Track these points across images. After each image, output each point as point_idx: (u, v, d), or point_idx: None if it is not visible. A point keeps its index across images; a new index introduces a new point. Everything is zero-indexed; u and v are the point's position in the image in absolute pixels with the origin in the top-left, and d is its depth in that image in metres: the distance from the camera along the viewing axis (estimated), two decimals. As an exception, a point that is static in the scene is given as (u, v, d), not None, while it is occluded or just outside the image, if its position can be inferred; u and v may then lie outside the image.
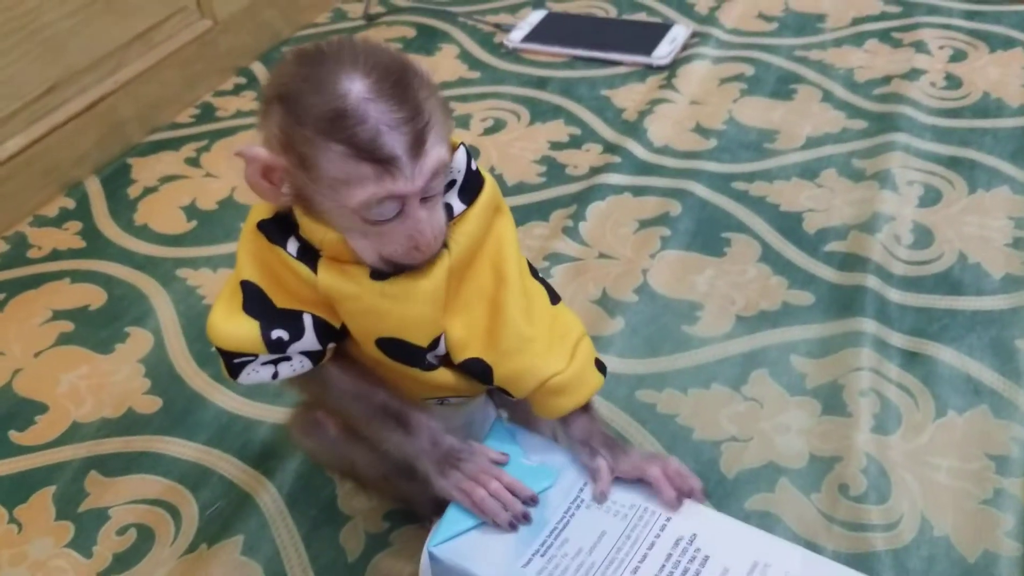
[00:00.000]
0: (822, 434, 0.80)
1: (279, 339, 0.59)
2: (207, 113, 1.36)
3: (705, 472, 0.77)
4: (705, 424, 0.82)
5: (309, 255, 0.58)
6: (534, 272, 0.66)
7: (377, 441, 0.64)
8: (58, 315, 1.01)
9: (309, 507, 0.78)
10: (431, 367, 0.63)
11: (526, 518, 0.59)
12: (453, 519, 0.59)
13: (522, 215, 1.08)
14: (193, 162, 1.25)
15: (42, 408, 0.90)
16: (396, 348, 0.61)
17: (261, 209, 0.60)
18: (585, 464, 0.62)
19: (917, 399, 0.82)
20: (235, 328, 0.60)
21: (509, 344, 0.61)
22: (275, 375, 0.62)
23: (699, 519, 0.59)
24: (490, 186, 0.62)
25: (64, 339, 0.98)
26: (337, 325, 0.61)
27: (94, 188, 1.21)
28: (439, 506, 0.61)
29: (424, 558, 0.60)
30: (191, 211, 1.15)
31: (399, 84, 0.52)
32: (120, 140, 1.28)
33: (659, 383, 0.86)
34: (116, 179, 1.23)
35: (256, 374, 0.62)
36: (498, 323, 0.62)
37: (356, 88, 0.51)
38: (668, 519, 0.59)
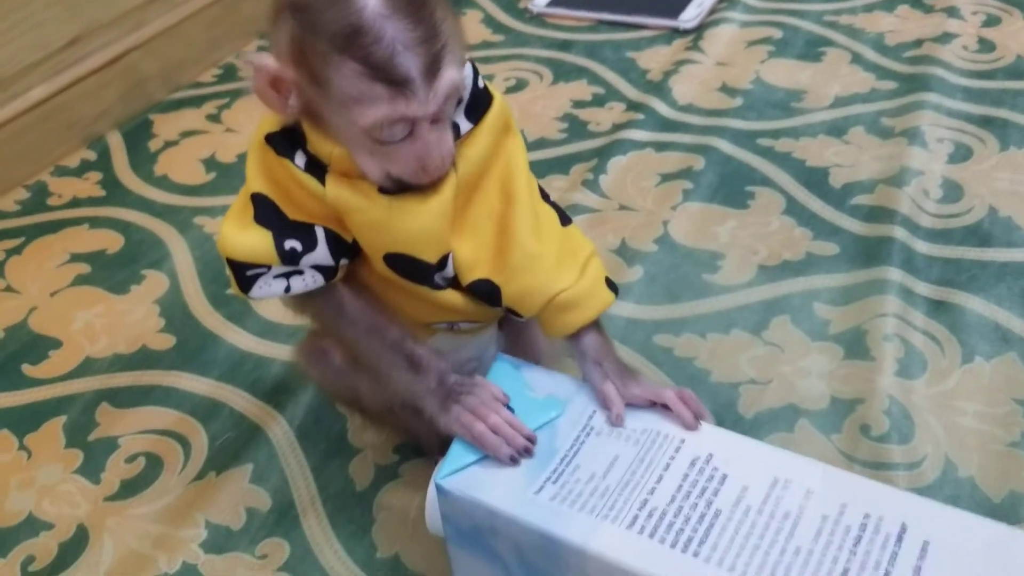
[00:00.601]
0: (844, 377, 0.78)
1: (292, 249, 0.58)
2: (229, 73, 1.36)
3: (722, 413, 0.76)
4: (723, 367, 0.80)
5: (317, 168, 0.57)
6: (545, 195, 0.65)
7: (385, 378, 0.63)
8: (75, 258, 1.01)
9: (319, 440, 0.77)
10: (439, 288, 0.62)
11: (527, 452, 0.57)
12: (461, 451, 0.58)
13: (542, 169, 1.06)
14: (214, 118, 1.25)
15: (56, 344, 0.90)
16: (405, 264, 0.60)
17: (269, 122, 0.59)
18: (596, 387, 0.60)
19: (943, 345, 0.80)
20: (248, 238, 0.58)
21: (517, 262, 0.60)
22: (287, 289, 0.61)
23: (714, 439, 0.58)
24: (498, 104, 0.60)
25: (80, 280, 0.98)
26: (349, 239, 0.60)
27: (115, 141, 1.21)
28: (445, 443, 0.60)
29: (431, 491, 0.59)
30: (210, 163, 1.15)
31: (416, 2, 0.51)
32: (143, 97, 1.28)
33: (677, 328, 0.84)
34: (137, 133, 1.23)
35: (268, 287, 0.61)
36: (506, 242, 0.61)
37: (372, 3, 0.50)
38: (682, 441, 0.57)
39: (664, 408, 0.59)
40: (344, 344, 0.67)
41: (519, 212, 0.60)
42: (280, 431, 0.78)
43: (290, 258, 0.59)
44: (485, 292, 0.61)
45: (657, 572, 0.50)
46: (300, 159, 0.57)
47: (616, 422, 0.59)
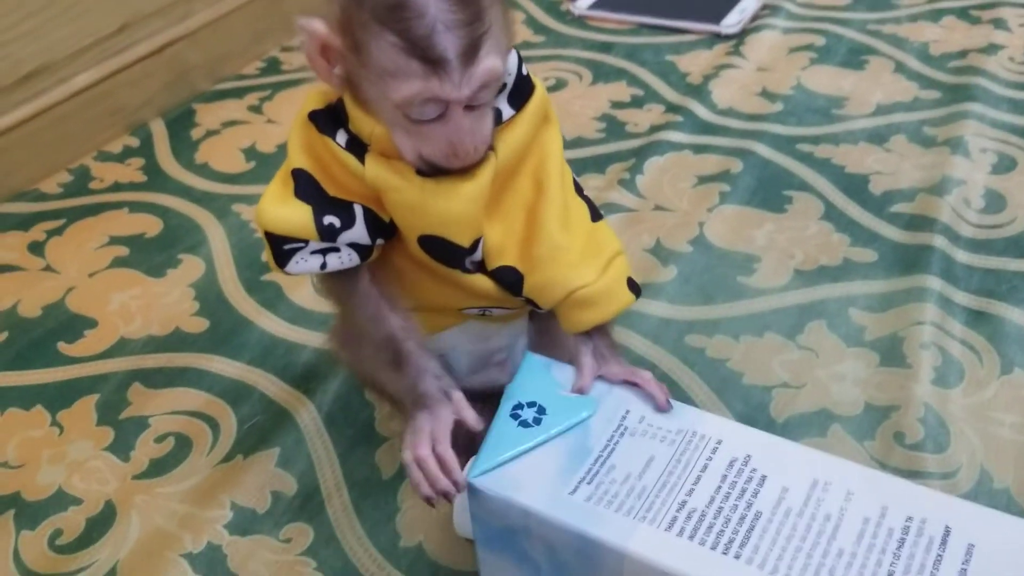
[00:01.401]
0: (879, 384, 0.76)
1: (331, 225, 0.58)
2: (272, 67, 1.37)
3: (754, 416, 0.75)
4: (756, 370, 0.79)
5: (357, 147, 0.58)
6: (579, 188, 0.64)
7: (377, 370, 0.63)
8: (114, 240, 1.02)
9: (347, 426, 0.77)
10: (469, 272, 0.62)
11: (446, 497, 0.56)
12: (493, 449, 0.57)
13: (579, 167, 1.06)
14: (256, 109, 1.26)
15: (92, 323, 0.91)
16: (438, 247, 0.60)
17: (313, 100, 0.59)
18: (575, 357, 0.61)
19: (981, 356, 0.78)
20: (287, 212, 0.58)
21: (541, 252, 0.60)
22: (323, 265, 0.61)
23: (752, 440, 0.57)
24: (539, 93, 0.60)
25: (118, 262, 0.99)
26: (386, 219, 0.60)
27: (158, 129, 1.23)
28: (470, 442, 0.60)
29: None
30: (250, 153, 1.16)
31: None
32: (187, 87, 1.29)
33: (710, 329, 0.83)
34: (180, 122, 1.24)
35: (304, 263, 0.61)
36: (533, 231, 0.61)
37: None
38: (719, 442, 0.56)
39: (634, 386, 0.60)
40: (352, 327, 0.67)
41: (549, 202, 0.60)
42: (308, 416, 0.78)
43: (328, 234, 0.59)
44: (509, 280, 0.61)
45: (698, 574, 0.49)
46: (341, 137, 0.57)
47: (577, 391, 0.60)
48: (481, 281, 0.62)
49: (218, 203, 1.07)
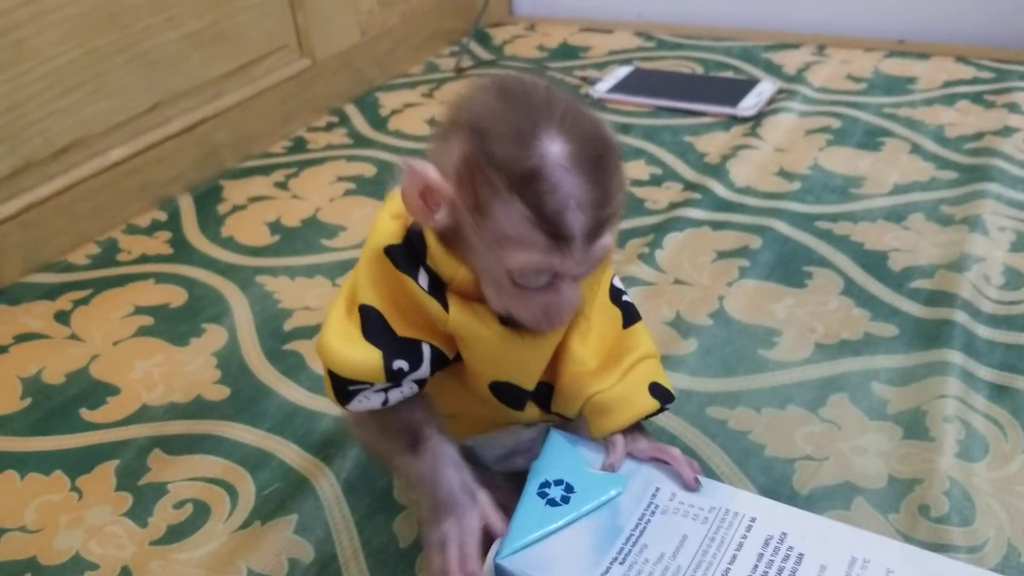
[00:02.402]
0: (902, 457, 0.76)
1: (400, 369, 0.57)
2: (299, 146, 1.41)
3: (776, 488, 0.74)
4: (778, 442, 0.78)
5: (438, 288, 0.57)
6: (617, 294, 0.66)
7: (390, 455, 0.62)
8: (140, 310, 1.03)
9: (365, 494, 0.77)
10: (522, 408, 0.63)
11: None
12: (522, 528, 0.56)
13: (599, 243, 1.07)
14: (281, 185, 1.29)
15: (115, 390, 0.91)
16: (506, 391, 0.61)
17: (387, 233, 0.57)
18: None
19: (1006, 430, 0.77)
20: (356, 355, 0.57)
21: (563, 366, 0.62)
22: (385, 402, 0.60)
23: (787, 518, 0.56)
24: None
25: (143, 331, 1.00)
26: (451, 356, 0.60)
27: (186, 204, 1.26)
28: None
29: (487, 570, 0.56)
30: (275, 227, 1.18)
31: (598, 161, 0.50)
32: (215, 164, 1.33)
33: (732, 401, 0.83)
34: (207, 197, 1.27)
35: (368, 401, 0.59)
36: (560, 346, 0.62)
37: (556, 151, 0.48)
38: (753, 520, 0.56)
39: (662, 463, 0.60)
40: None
41: (577, 319, 0.61)
42: (327, 484, 0.78)
43: (396, 377, 0.57)
44: (543, 395, 0.62)
45: None
46: (423, 278, 0.56)
47: (607, 468, 0.59)
48: (530, 410, 0.63)
49: (242, 274, 1.08)
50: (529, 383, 0.61)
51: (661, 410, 0.64)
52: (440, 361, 0.59)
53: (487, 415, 0.64)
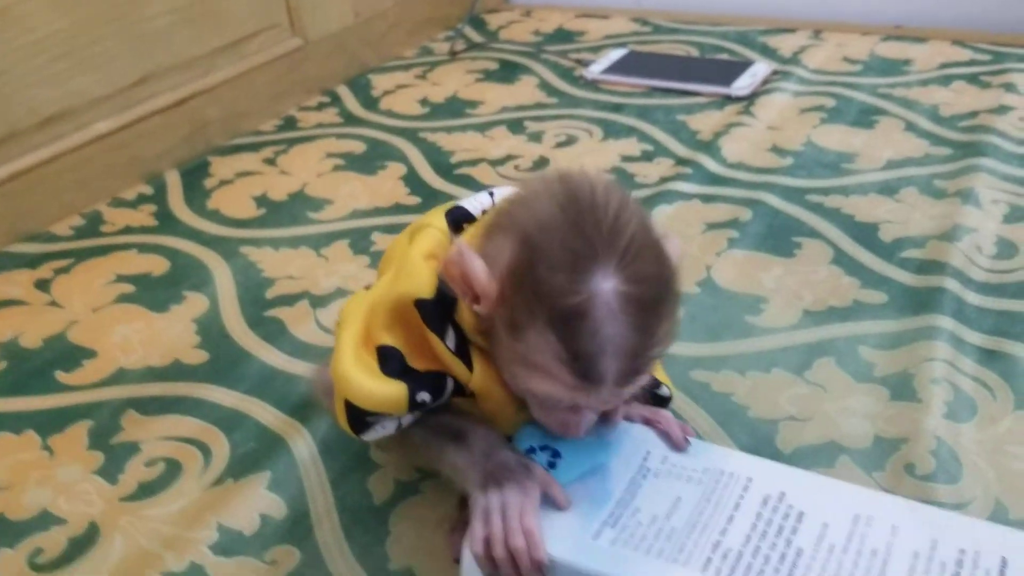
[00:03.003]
0: (889, 418, 0.74)
1: (423, 402, 0.56)
2: (289, 124, 1.40)
3: (759, 447, 0.72)
4: (763, 404, 0.77)
5: (463, 346, 0.55)
6: None
7: (433, 463, 0.60)
8: (121, 279, 1.02)
9: (340, 454, 0.75)
10: None
11: None
12: None
13: (587, 215, 1.06)
14: (270, 162, 1.28)
15: (91, 354, 0.90)
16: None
17: (420, 283, 0.55)
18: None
19: (994, 392, 0.76)
20: (380, 388, 0.55)
21: None
22: (399, 426, 0.59)
23: (785, 476, 0.54)
24: None
25: (123, 298, 0.99)
26: (468, 392, 0.58)
27: (173, 179, 1.24)
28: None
29: (467, 548, 0.55)
30: (261, 200, 1.17)
31: (650, 305, 0.47)
32: (203, 140, 1.32)
33: (716, 365, 0.81)
34: (195, 173, 1.26)
35: (383, 429, 0.58)
36: None
37: (607, 291, 0.46)
38: (749, 479, 0.54)
39: (655, 426, 0.59)
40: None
41: None
42: (302, 443, 0.76)
43: (418, 407, 0.56)
44: None
45: None
46: (451, 339, 0.54)
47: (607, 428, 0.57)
48: None
49: (226, 245, 1.07)
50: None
51: (654, 395, 0.63)
52: (459, 393, 0.58)
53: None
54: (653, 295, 0.47)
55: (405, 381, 0.55)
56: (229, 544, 0.68)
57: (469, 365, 0.55)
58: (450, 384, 0.57)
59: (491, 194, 0.61)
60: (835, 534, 0.49)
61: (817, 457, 0.71)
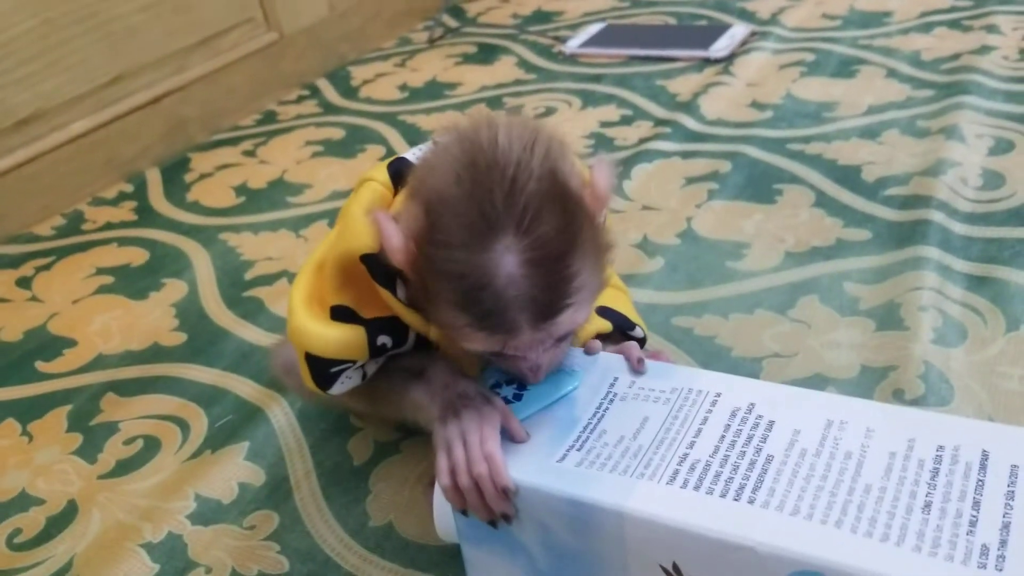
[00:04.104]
0: (876, 347, 0.72)
1: (383, 345, 0.55)
2: (268, 118, 1.39)
3: (744, 386, 0.71)
4: (746, 343, 0.75)
5: None
6: None
7: (394, 408, 0.60)
8: (101, 271, 1.02)
9: (320, 421, 0.74)
10: None
11: (506, 519, 0.50)
12: None
13: (566, 179, 1.05)
14: (249, 153, 1.27)
15: (71, 343, 0.89)
16: None
17: (363, 237, 0.53)
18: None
19: (984, 316, 0.74)
20: (339, 335, 0.54)
21: None
22: (364, 376, 0.58)
23: (754, 390, 0.52)
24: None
25: (103, 289, 0.98)
26: (436, 345, 0.58)
27: (153, 177, 1.24)
28: None
29: (439, 489, 0.53)
30: (241, 189, 1.16)
31: (554, 267, 0.46)
32: (182, 138, 1.31)
33: (698, 310, 0.80)
34: (175, 169, 1.25)
35: (350, 381, 0.58)
36: None
37: (506, 264, 0.45)
38: (718, 395, 0.52)
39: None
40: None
41: None
42: (280, 412, 0.75)
43: (379, 353, 0.55)
44: None
45: (708, 525, 0.44)
46: (401, 291, 0.54)
47: (586, 352, 0.57)
48: None
49: (205, 233, 1.06)
50: None
51: (630, 338, 0.62)
52: (423, 344, 0.57)
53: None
54: (557, 252, 0.46)
55: (362, 324, 0.55)
56: (207, 513, 0.67)
57: (425, 317, 0.54)
58: (412, 332, 0.56)
59: (435, 144, 0.60)
60: (807, 439, 0.48)
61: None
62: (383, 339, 0.55)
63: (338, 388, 0.57)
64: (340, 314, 0.55)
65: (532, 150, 0.47)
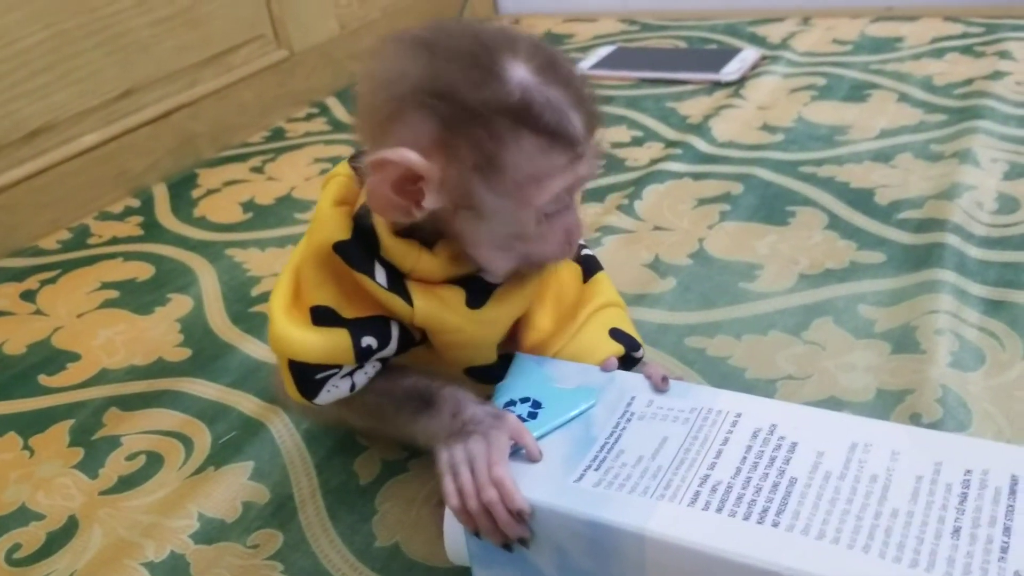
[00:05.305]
0: (892, 370, 0.71)
1: (368, 347, 0.54)
2: (277, 135, 1.39)
3: (758, 408, 0.69)
4: (759, 365, 0.74)
5: (397, 282, 0.53)
6: (579, 248, 0.63)
7: (403, 433, 0.58)
8: (106, 285, 1.01)
9: (326, 439, 0.73)
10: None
11: (522, 543, 0.48)
12: None
13: (577, 199, 1.04)
14: (258, 170, 1.27)
15: (75, 357, 0.88)
16: (482, 373, 0.59)
17: (334, 227, 0.53)
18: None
19: (1002, 340, 0.73)
20: (321, 339, 0.53)
21: (523, 334, 0.60)
22: (353, 387, 0.56)
23: (776, 411, 0.51)
24: None
25: (108, 303, 0.97)
26: (418, 338, 0.57)
27: (160, 192, 1.23)
28: None
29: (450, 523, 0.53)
30: (248, 205, 1.16)
31: (557, 63, 0.48)
32: (191, 153, 1.31)
33: (711, 331, 0.79)
34: (182, 185, 1.25)
35: (336, 389, 0.56)
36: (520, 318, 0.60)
37: (526, 73, 0.46)
38: (739, 415, 0.51)
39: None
40: (348, 404, 0.60)
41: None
42: (285, 430, 0.74)
43: (366, 356, 0.54)
44: (503, 364, 0.59)
45: (732, 548, 0.42)
46: (380, 275, 0.53)
47: (604, 369, 0.56)
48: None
49: (212, 249, 1.05)
50: (493, 356, 0.58)
51: (632, 358, 0.61)
52: (408, 342, 0.56)
53: (470, 389, 0.60)
54: (554, 56, 0.48)
55: (347, 327, 0.53)
56: (210, 532, 0.65)
57: (408, 300, 0.53)
58: (395, 329, 0.54)
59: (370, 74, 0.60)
60: (831, 462, 0.47)
61: (817, 412, 0.68)
62: (368, 340, 0.53)
63: (324, 397, 0.56)
64: (321, 315, 0.54)
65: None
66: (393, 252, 0.52)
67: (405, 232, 0.52)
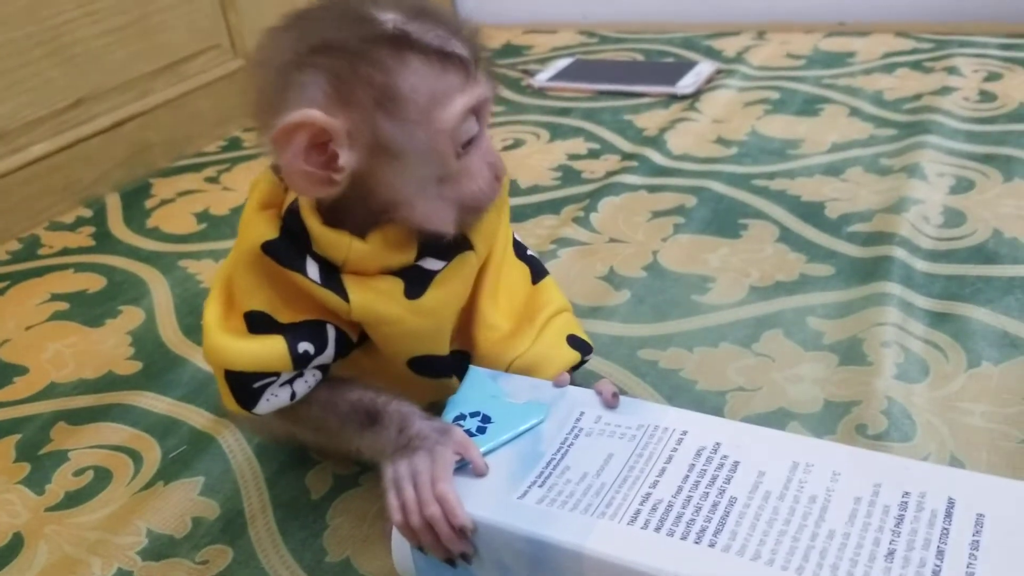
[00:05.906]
0: (839, 382, 0.72)
1: (305, 352, 0.53)
2: (233, 145, 1.38)
3: (708, 420, 0.70)
4: (710, 377, 0.75)
5: (331, 276, 0.53)
6: (521, 249, 0.63)
7: (350, 448, 0.58)
8: (56, 297, 0.99)
9: (278, 453, 0.72)
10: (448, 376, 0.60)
11: (464, 558, 0.48)
12: None
13: (533, 211, 1.04)
14: (213, 180, 1.26)
15: (23, 371, 0.87)
16: (426, 365, 0.58)
17: (261, 228, 0.53)
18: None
19: (946, 352, 0.74)
20: (256, 347, 0.52)
21: (476, 332, 0.59)
22: (293, 395, 0.55)
23: (721, 429, 0.52)
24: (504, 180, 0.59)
25: (57, 316, 0.96)
26: (356, 339, 0.56)
27: (113, 202, 1.22)
28: None
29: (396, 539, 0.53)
30: (203, 216, 1.15)
31: (427, 7, 0.50)
32: (145, 163, 1.29)
33: (663, 344, 0.79)
34: (136, 195, 1.23)
35: (276, 398, 0.55)
36: (472, 310, 0.59)
37: (395, 15, 0.49)
38: (684, 433, 0.51)
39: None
40: (293, 418, 0.59)
41: (485, 278, 0.59)
42: (237, 445, 0.73)
43: (302, 362, 0.53)
44: (459, 363, 0.59)
45: (668, 567, 0.43)
46: (313, 270, 0.52)
47: (557, 385, 0.56)
48: (456, 381, 0.60)
49: (165, 260, 1.04)
50: (444, 348, 0.58)
51: (582, 362, 0.62)
52: (345, 345, 0.56)
53: (416, 393, 0.60)
54: (428, 4, 0.51)
55: (282, 333, 0.53)
56: (159, 548, 0.64)
57: (343, 294, 0.53)
58: (331, 332, 0.54)
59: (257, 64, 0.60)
60: (771, 481, 0.47)
61: (767, 424, 0.68)
62: (304, 346, 0.53)
63: (264, 406, 0.55)
64: (256, 320, 0.54)
65: None
66: (324, 243, 0.52)
67: (337, 222, 0.52)
